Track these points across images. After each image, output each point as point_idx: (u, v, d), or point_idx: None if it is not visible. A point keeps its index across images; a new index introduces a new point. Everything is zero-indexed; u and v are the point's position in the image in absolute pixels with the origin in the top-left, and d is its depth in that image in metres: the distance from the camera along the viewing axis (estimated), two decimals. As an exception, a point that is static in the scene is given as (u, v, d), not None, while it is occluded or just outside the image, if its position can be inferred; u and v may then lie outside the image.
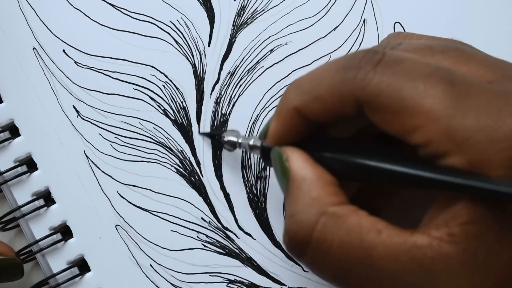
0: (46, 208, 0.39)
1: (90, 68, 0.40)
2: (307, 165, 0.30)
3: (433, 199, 0.28)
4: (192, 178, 0.40)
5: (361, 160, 0.29)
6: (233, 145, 0.36)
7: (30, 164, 0.39)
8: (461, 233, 0.26)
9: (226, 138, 0.36)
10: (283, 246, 0.30)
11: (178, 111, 0.40)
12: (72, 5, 0.40)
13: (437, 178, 0.27)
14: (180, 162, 0.40)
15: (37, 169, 0.39)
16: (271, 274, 0.39)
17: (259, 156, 0.38)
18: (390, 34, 0.36)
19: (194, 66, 0.40)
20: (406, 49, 0.31)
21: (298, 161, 0.30)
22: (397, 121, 0.27)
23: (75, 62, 0.40)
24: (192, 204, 0.39)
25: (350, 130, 0.33)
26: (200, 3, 0.40)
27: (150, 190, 0.39)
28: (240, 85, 0.40)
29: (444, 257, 0.26)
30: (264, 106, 0.40)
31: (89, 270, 0.39)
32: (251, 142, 0.35)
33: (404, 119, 0.27)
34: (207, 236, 0.39)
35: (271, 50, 0.40)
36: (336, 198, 0.29)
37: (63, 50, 0.40)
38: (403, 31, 0.38)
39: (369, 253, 0.27)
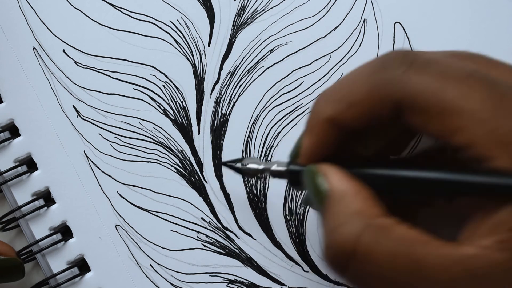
0: (46, 208, 0.39)
1: (90, 68, 0.40)
2: (346, 180, 0.29)
3: (464, 214, 0.28)
4: (192, 178, 0.40)
5: (406, 172, 0.28)
6: (255, 173, 0.34)
7: (30, 164, 0.39)
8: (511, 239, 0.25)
9: (247, 166, 0.34)
10: (324, 261, 0.30)
11: (178, 111, 0.40)
12: (72, 5, 0.40)
13: (490, 182, 0.26)
14: (180, 162, 0.40)
15: (37, 169, 0.39)
16: (271, 274, 0.39)
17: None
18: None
19: (194, 66, 0.40)
20: (433, 55, 0.30)
21: (336, 177, 0.29)
22: (438, 122, 0.27)
23: (75, 62, 0.40)
24: (192, 204, 0.39)
25: (378, 143, 0.32)
26: (200, 3, 0.40)
27: (150, 190, 0.39)
28: (240, 85, 0.40)
29: (497, 265, 0.25)
30: (264, 106, 0.40)
31: (89, 270, 0.39)
32: (274, 167, 0.32)
33: (446, 120, 0.26)
34: (207, 236, 0.39)
35: (271, 50, 0.40)
36: (378, 210, 0.28)
37: (63, 50, 0.40)
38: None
39: (419, 264, 0.27)
